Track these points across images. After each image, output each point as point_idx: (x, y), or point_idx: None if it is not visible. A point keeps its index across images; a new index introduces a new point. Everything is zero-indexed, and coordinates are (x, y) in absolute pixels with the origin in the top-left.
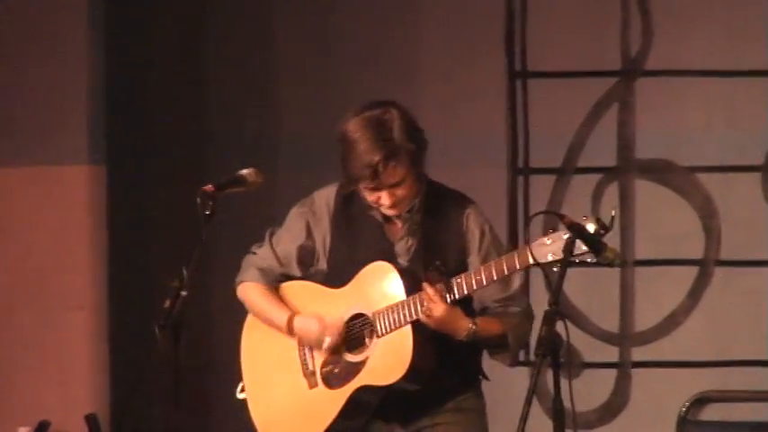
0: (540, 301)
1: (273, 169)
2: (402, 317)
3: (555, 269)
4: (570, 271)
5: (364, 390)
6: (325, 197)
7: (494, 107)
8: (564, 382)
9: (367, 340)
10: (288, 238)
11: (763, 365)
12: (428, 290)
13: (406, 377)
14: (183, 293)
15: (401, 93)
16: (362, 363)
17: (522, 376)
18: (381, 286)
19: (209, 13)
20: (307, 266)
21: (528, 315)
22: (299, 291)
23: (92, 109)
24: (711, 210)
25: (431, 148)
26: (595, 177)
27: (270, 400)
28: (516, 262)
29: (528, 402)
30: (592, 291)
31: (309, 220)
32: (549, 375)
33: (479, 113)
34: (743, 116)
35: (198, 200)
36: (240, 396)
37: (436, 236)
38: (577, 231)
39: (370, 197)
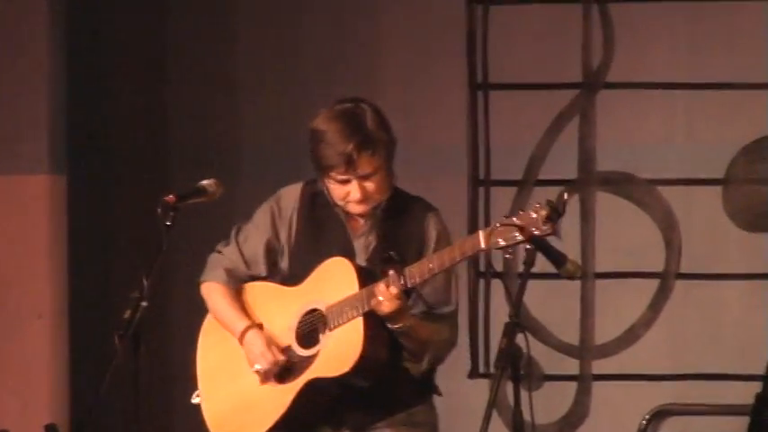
0: (500, 313)
1: (235, 179)
2: (354, 309)
3: (520, 271)
4: (530, 283)
5: (315, 383)
6: (292, 194)
7: (455, 118)
8: (524, 395)
9: (320, 335)
10: (255, 234)
11: (722, 379)
12: (380, 284)
13: (356, 368)
14: (144, 304)
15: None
16: (314, 356)
17: (481, 388)
18: (336, 281)
19: (170, 20)
20: (273, 265)
21: (453, 324)
22: (258, 292)
23: (52, 118)
24: (672, 222)
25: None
26: (556, 189)
27: (220, 397)
28: (467, 247)
29: (488, 415)
30: (552, 303)
31: (275, 215)
32: (508, 388)
33: (440, 124)
34: (704, 129)
35: (159, 210)
36: (195, 401)
37: (396, 236)
38: (538, 243)
39: (338, 191)
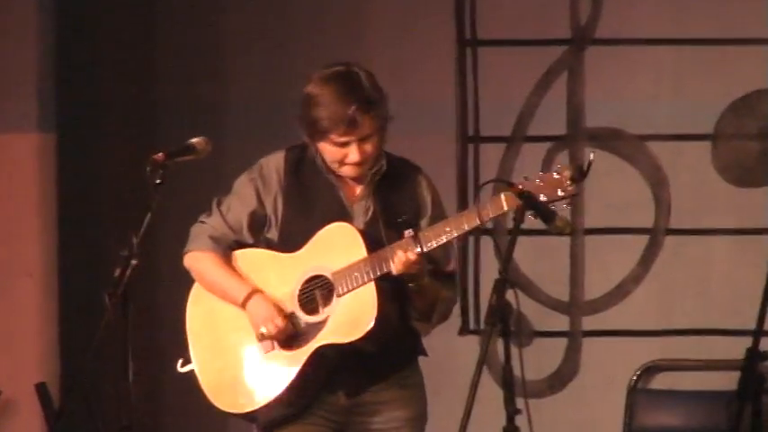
0: (490, 270)
1: (222, 137)
2: (366, 273)
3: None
4: (520, 239)
5: (324, 349)
6: (274, 163)
7: (443, 75)
8: (514, 351)
9: (323, 301)
10: (238, 204)
11: (712, 334)
12: (395, 248)
13: (369, 333)
14: (133, 262)
15: (349, 59)
16: (323, 322)
17: (471, 345)
18: (341, 246)
19: None
20: (257, 234)
21: (455, 283)
22: (252, 258)
23: (41, 76)
24: (661, 178)
25: None
26: (545, 146)
27: (220, 366)
28: (489, 209)
29: (478, 372)
30: (542, 259)
31: (259, 186)
32: (499, 344)
33: (429, 81)
34: (692, 85)
35: (148, 168)
36: (183, 369)
37: (393, 198)
38: (527, 200)
39: (334, 154)
